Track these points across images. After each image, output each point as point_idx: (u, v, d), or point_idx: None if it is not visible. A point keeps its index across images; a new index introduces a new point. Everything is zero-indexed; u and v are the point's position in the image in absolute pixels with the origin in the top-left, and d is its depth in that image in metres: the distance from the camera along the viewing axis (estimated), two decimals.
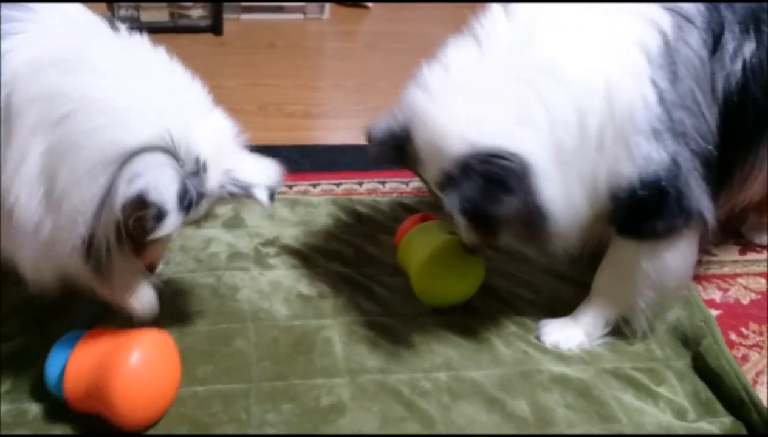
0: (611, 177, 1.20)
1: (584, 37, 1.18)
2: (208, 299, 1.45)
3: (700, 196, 1.24)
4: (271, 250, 1.59)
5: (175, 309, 1.41)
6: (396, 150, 1.24)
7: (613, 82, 1.15)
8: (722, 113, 1.24)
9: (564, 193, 1.18)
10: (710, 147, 1.23)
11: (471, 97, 1.17)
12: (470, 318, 1.45)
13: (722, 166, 1.28)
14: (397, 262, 1.54)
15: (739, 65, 1.23)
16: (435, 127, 1.17)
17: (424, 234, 1.47)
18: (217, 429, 1.20)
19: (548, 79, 1.14)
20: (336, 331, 1.40)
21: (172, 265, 1.52)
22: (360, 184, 1.86)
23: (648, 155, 1.18)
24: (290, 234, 1.64)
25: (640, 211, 1.24)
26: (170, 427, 1.19)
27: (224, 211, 1.69)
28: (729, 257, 1.70)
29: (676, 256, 1.31)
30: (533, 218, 1.15)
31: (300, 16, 2.82)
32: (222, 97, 2.23)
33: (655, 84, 1.16)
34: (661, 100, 1.16)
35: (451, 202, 1.14)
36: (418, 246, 1.46)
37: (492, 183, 1.12)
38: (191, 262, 1.53)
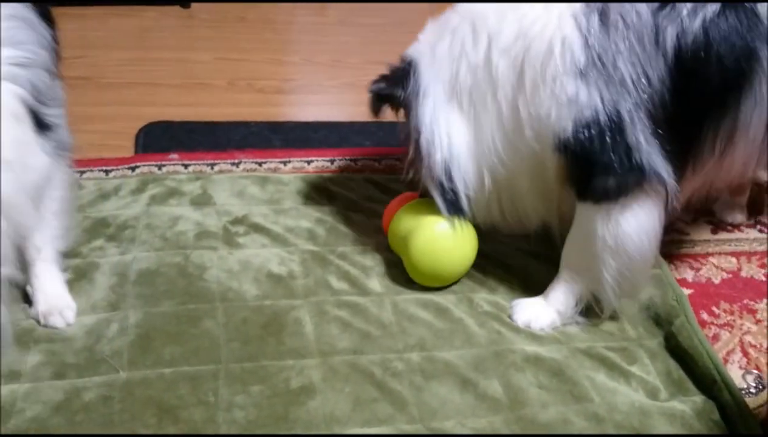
0: (543, 122, 1.26)
1: None
2: (175, 279, 1.41)
3: (651, 153, 1.25)
4: (241, 229, 1.55)
5: (141, 289, 1.38)
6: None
7: (525, 21, 1.26)
8: (679, 70, 1.23)
9: (467, 133, 1.36)
10: (653, 101, 1.24)
11: (428, 36, 1.43)
12: (444, 298, 1.44)
13: (691, 130, 1.29)
14: (367, 239, 1.52)
15: (698, 23, 1.22)
16: None
17: (412, 216, 1.43)
18: (184, 411, 1.17)
19: (464, 20, 1.34)
20: (307, 311, 1.37)
21: (138, 244, 1.48)
22: (332, 161, 1.83)
23: (576, 97, 1.23)
24: (260, 212, 1.60)
25: (589, 163, 1.26)
26: (137, 410, 1.16)
27: (192, 188, 1.65)
28: (701, 236, 1.70)
29: (633, 222, 1.31)
30: (414, 137, 1.38)
31: None
32: (191, 72, 2.21)
33: (578, 26, 1.22)
34: (587, 42, 1.22)
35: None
36: (410, 230, 1.42)
37: (391, 72, 1.43)
38: (158, 241, 1.49)
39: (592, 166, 1.26)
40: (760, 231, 1.74)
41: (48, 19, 1.24)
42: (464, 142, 1.36)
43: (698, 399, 1.28)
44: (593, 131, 1.23)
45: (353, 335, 1.34)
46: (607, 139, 1.23)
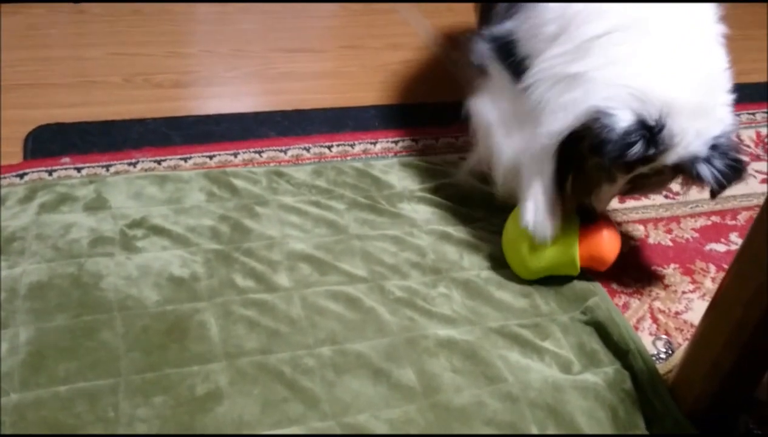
0: None
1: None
2: (68, 290, 1.33)
3: None
4: (139, 232, 1.48)
5: (32, 304, 1.29)
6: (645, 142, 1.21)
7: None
8: None
9: None
10: None
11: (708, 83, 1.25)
12: (354, 288, 1.40)
13: None
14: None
15: None
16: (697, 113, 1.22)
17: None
18: (82, 430, 1.10)
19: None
20: (211, 314, 1.32)
21: (28, 256, 1.39)
22: (235, 154, 1.77)
23: None
24: (159, 214, 1.53)
25: None
26: (30, 434, 1.09)
27: (85, 192, 1.56)
28: (608, 206, 1.71)
29: None
30: None
31: None
32: (83, 70, 2.10)
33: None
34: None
35: (707, 176, 1.25)
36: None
37: (731, 157, 1.26)
38: (49, 251, 1.41)
39: None
40: (666, 197, 1.77)
41: None
42: None
43: (610, 369, 1.29)
44: None
45: (261, 334, 1.29)
46: None
